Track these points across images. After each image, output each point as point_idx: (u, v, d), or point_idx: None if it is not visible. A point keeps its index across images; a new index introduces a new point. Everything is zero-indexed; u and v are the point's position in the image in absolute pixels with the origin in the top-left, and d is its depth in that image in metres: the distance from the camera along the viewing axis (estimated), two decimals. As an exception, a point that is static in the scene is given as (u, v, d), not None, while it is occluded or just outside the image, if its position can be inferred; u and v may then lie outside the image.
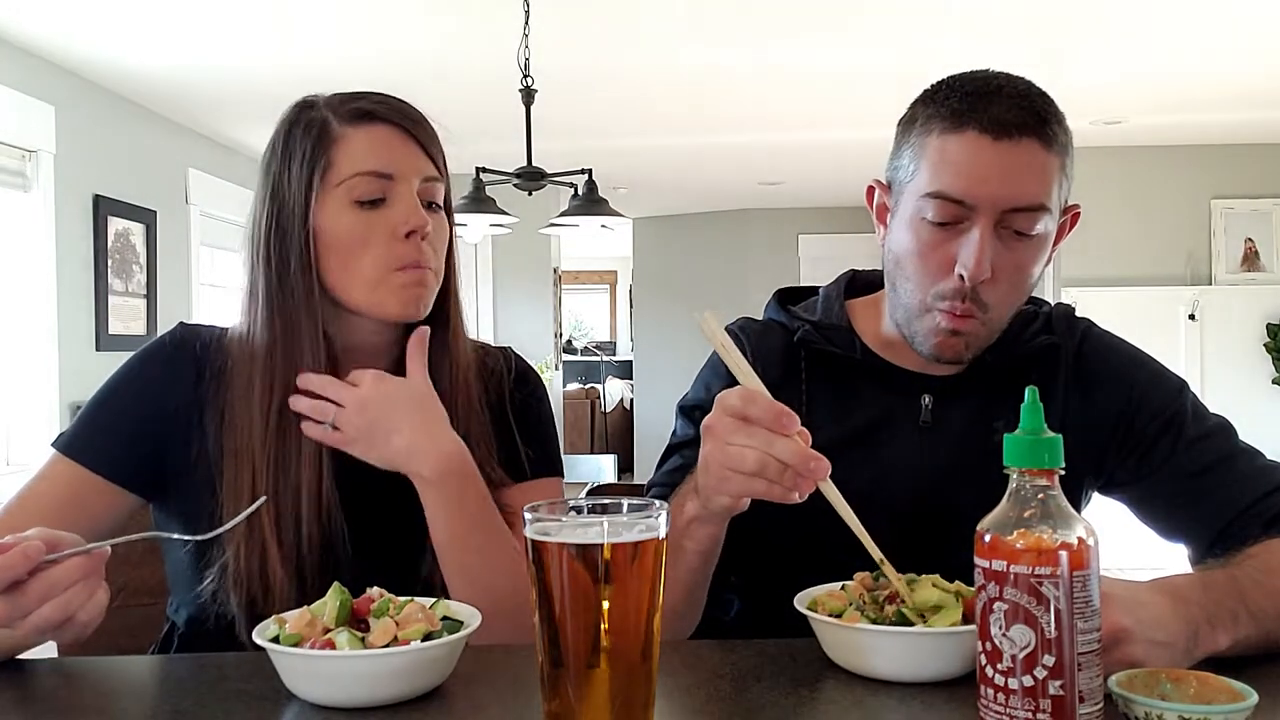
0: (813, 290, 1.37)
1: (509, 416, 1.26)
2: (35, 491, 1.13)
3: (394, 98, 1.19)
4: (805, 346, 1.28)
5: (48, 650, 1.17)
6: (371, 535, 1.15)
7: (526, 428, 1.27)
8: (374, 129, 1.15)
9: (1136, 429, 1.22)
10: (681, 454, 1.26)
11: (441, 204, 1.18)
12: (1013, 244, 1.13)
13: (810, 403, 1.25)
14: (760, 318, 1.36)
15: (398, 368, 1.18)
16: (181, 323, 1.24)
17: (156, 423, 1.15)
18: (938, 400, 1.24)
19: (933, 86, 1.18)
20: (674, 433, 1.31)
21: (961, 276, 1.12)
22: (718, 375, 1.30)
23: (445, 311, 1.22)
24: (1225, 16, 3.83)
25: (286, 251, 1.14)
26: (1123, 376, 1.25)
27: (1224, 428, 1.23)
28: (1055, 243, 1.19)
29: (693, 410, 1.29)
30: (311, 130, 1.15)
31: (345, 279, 1.14)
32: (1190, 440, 1.20)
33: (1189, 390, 1.26)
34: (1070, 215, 1.21)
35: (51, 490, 1.13)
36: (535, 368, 1.34)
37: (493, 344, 1.33)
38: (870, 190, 1.26)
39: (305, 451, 1.13)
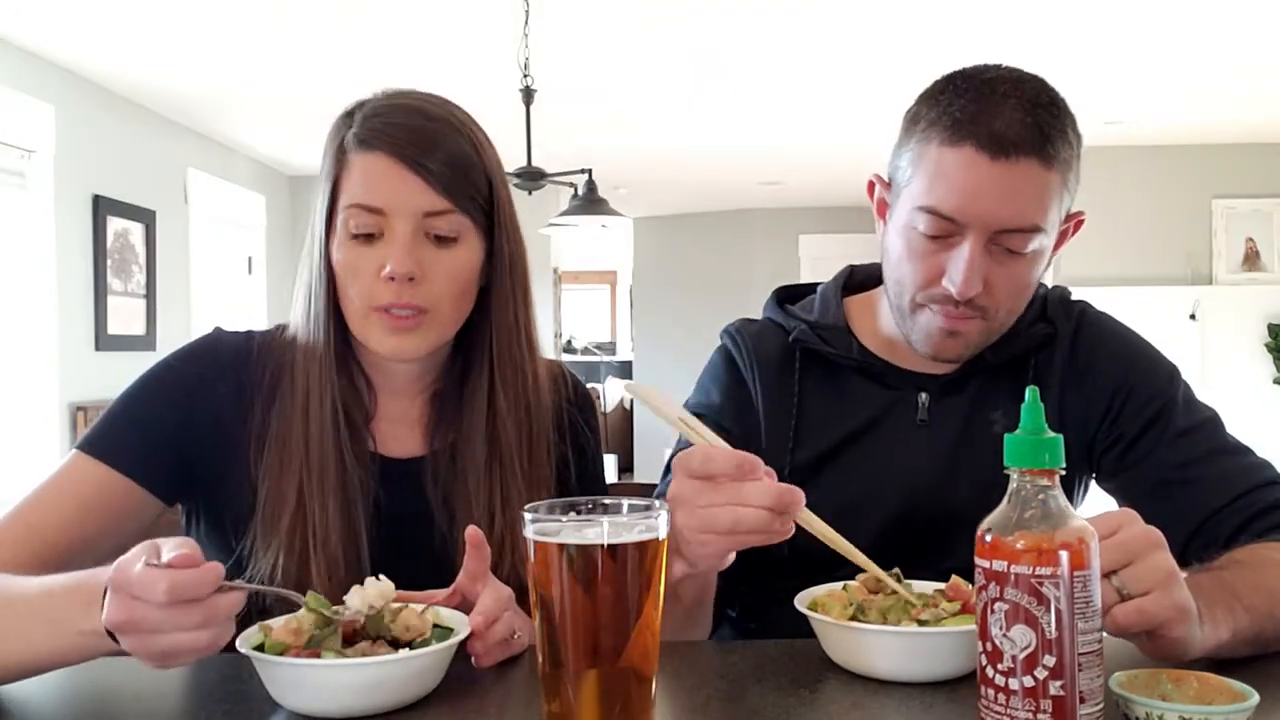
0: (812, 288, 1.36)
1: (565, 447, 1.22)
2: (55, 490, 1.07)
3: (418, 112, 1.11)
4: (800, 347, 1.27)
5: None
6: (400, 570, 1.10)
7: (582, 473, 1.24)
8: (372, 158, 1.08)
9: (1125, 417, 1.22)
10: None
11: (453, 235, 1.10)
12: (1005, 259, 1.12)
13: (804, 404, 1.25)
14: (758, 317, 1.35)
15: (437, 401, 1.18)
16: (218, 328, 1.21)
17: (188, 428, 1.11)
18: (934, 398, 1.24)
19: (939, 83, 1.15)
20: (678, 440, 1.30)
21: (949, 289, 1.12)
22: (716, 381, 1.30)
23: (482, 345, 1.16)
24: (1227, 16, 3.83)
25: (312, 269, 1.13)
26: (1116, 362, 1.24)
27: (1212, 421, 1.21)
28: (1056, 248, 1.18)
29: (696, 417, 1.27)
30: (333, 148, 1.12)
31: (344, 308, 1.12)
32: (1177, 433, 1.19)
33: (1180, 378, 1.25)
34: (1073, 222, 1.20)
35: (73, 489, 1.07)
36: None
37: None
38: (871, 185, 1.25)
39: (345, 473, 1.11)
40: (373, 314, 1.09)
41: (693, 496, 0.90)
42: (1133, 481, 1.21)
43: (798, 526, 0.93)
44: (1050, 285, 1.30)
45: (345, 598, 0.89)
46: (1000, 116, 1.08)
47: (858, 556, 0.95)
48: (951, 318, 1.14)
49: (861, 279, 1.35)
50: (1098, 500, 1.26)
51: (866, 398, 1.25)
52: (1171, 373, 1.25)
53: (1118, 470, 1.22)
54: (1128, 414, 1.21)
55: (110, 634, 0.83)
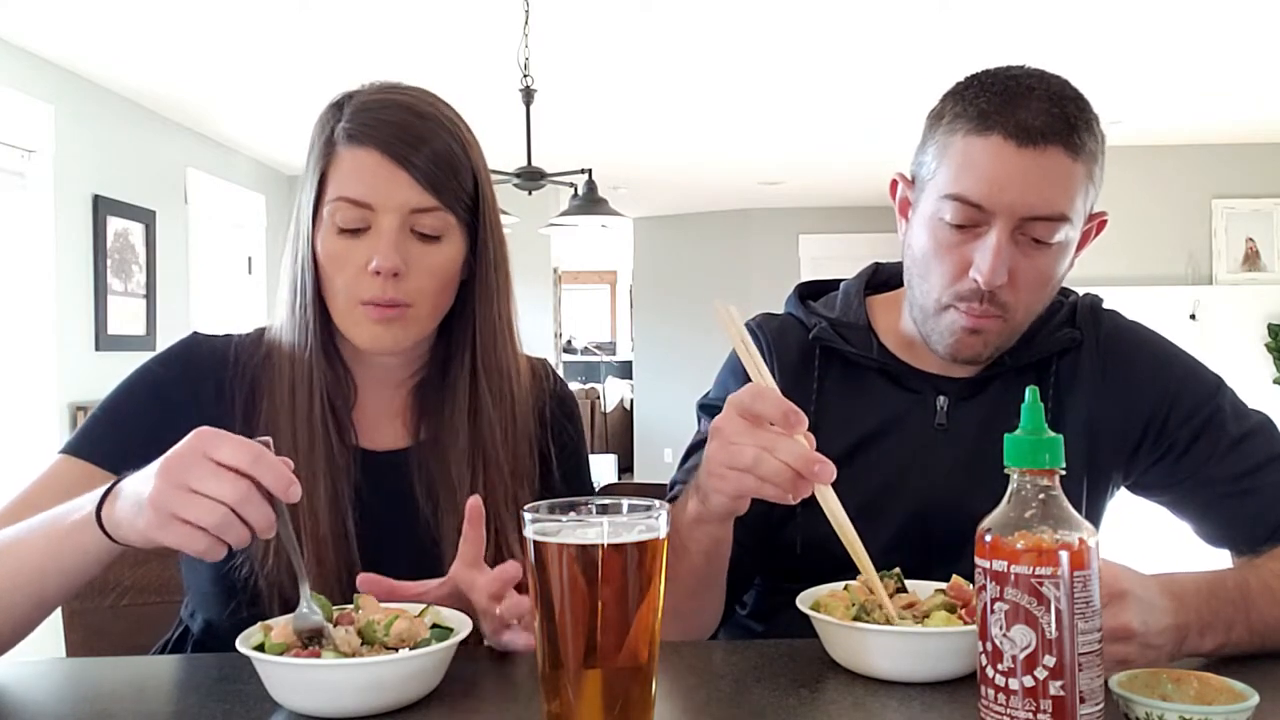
0: (835, 284, 1.35)
1: (546, 440, 1.23)
2: (39, 488, 1.08)
3: (408, 109, 1.12)
4: (820, 345, 1.26)
5: (51, 649, 1.17)
6: (386, 562, 1.10)
7: (564, 466, 1.24)
8: (361, 153, 1.10)
9: (1170, 429, 1.20)
10: (702, 452, 1.26)
11: (436, 235, 1.11)
12: (1030, 251, 1.11)
13: (822, 402, 1.24)
14: (779, 312, 1.34)
15: (418, 393, 1.19)
16: (195, 332, 1.22)
17: (168, 426, 1.08)
18: (953, 402, 1.22)
19: (964, 81, 1.15)
20: (697, 430, 1.29)
21: (976, 280, 1.11)
22: (735, 374, 1.29)
23: (464, 337, 1.17)
24: (1228, 17, 3.83)
25: (298, 260, 1.14)
26: (1156, 373, 1.23)
27: (1266, 425, 1.20)
28: (1079, 249, 1.17)
29: (713, 409, 1.27)
30: (321, 140, 1.13)
31: (329, 300, 1.13)
32: (1231, 442, 1.18)
33: (1226, 387, 1.23)
34: (1096, 222, 1.19)
35: (55, 485, 1.08)
36: None
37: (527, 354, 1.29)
38: (894, 183, 1.24)
39: (333, 465, 1.11)
40: (357, 308, 1.10)
41: (730, 431, 0.94)
42: (1191, 493, 1.20)
43: (814, 502, 0.93)
44: (1082, 293, 1.30)
45: (330, 629, 0.88)
46: (1026, 108, 1.08)
47: (860, 554, 0.95)
48: (975, 315, 1.13)
49: (885, 277, 1.34)
50: (1111, 511, 1.26)
51: (885, 399, 1.24)
52: (1216, 383, 1.23)
53: (1170, 482, 1.21)
54: (1174, 424, 1.20)
55: (102, 527, 0.88)
